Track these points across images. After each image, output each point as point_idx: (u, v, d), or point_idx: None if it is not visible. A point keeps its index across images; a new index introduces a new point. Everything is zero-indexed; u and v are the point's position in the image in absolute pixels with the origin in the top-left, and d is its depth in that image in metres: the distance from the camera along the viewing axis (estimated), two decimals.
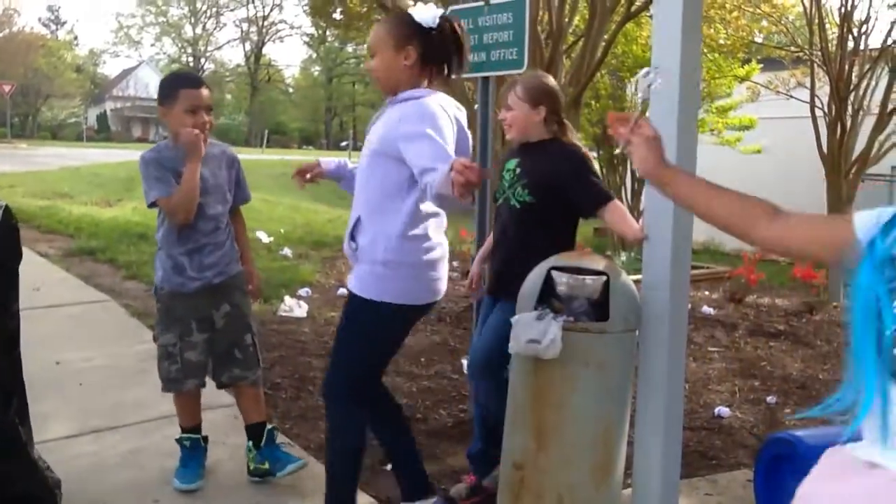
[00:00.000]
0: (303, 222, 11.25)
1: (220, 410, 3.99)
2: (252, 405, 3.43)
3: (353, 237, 2.73)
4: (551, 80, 3.30)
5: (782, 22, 12.55)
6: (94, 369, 4.67)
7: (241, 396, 3.45)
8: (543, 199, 3.10)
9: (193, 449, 3.36)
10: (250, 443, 3.38)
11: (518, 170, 3.20)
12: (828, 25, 11.03)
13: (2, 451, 2.50)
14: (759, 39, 13.16)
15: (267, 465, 3.33)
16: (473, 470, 3.36)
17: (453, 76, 2.86)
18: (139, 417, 3.93)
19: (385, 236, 2.63)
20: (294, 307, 6.32)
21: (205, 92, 3.25)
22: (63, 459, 3.31)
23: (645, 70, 2.00)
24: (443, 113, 2.62)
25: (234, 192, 3.41)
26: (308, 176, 3.08)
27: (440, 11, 2.74)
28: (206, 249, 3.25)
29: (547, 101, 3.16)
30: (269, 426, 3.42)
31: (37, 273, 7.14)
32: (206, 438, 3.45)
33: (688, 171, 1.78)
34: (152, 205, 3.19)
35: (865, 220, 1.41)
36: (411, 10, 2.73)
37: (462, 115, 2.80)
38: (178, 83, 3.27)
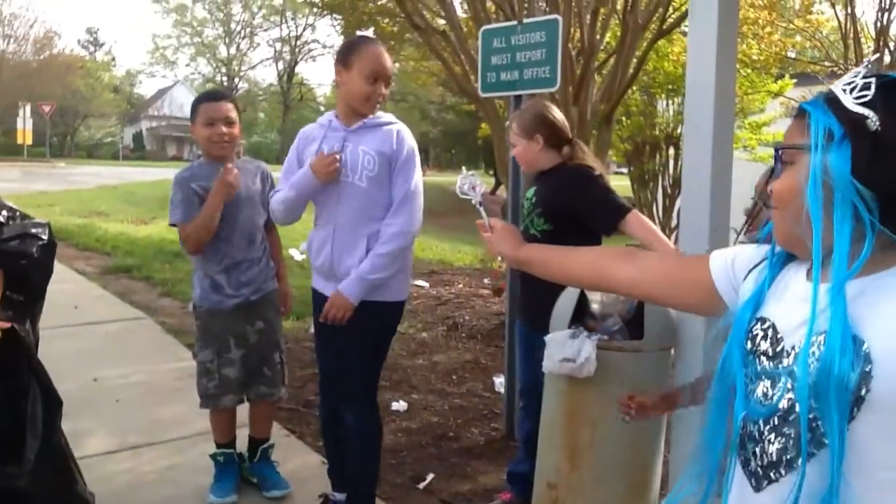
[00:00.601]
0: None
1: None
2: (262, 420, 3.49)
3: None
4: (546, 108, 3.27)
5: (816, 37, 12.46)
6: (130, 386, 4.72)
7: (255, 409, 3.47)
8: (560, 226, 3.06)
9: (227, 464, 3.38)
10: (247, 452, 3.48)
11: (534, 199, 3.21)
12: (863, 40, 10.92)
13: (48, 457, 2.53)
14: (792, 54, 13.06)
15: (255, 481, 3.43)
16: (511, 487, 3.34)
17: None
18: (175, 434, 3.97)
19: None
20: None
21: (223, 105, 3.28)
22: (101, 476, 3.36)
23: (461, 177, 2.06)
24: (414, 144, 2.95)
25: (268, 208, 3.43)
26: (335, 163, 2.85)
27: None
28: (243, 266, 3.28)
29: (542, 129, 3.15)
30: (265, 445, 3.47)
31: (75, 291, 7.26)
32: (241, 455, 3.47)
33: (543, 246, 1.84)
34: (173, 225, 3.26)
35: (720, 262, 1.36)
36: None
37: None
38: (199, 100, 3.35)
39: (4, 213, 2.48)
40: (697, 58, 2.62)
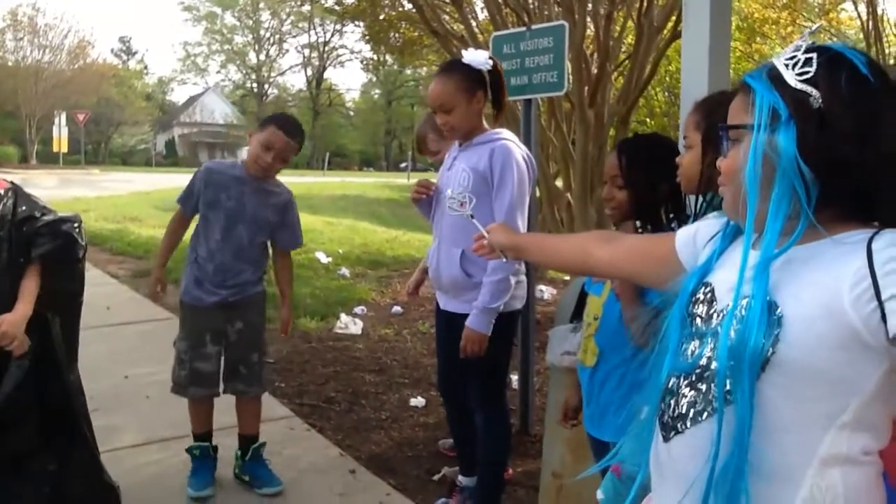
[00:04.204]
0: (360, 242, 11.45)
1: (278, 422, 4.24)
2: (247, 417, 3.59)
3: (464, 269, 2.96)
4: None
5: (839, 36, 12.41)
6: (159, 383, 4.85)
7: (240, 405, 3.58)
8: None
9: (203, 458, 3.50)
10: (239, 451, 3.57)
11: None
12: (885, 39, 10.88)
13: (78, 448, 2.70)
14: None
15: (248, 478, 3.52)
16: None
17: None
18: None
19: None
20: (349, 324, 6.51)
21: (290, 143, 3.34)
22: (131, 467, 3.56)
23: (450, 196, 2.20)
24: (521, 157, 2.94)
25: (281, 234, 3.51)
26: (427, 194, 3.14)
27: (488, 53, 3.01)
28: (228, 272, 3.41)
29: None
30: (255, 444, 3.55)
31: (108, 293, 7.49)
32: (215, 448, 3.58)
33: (537, 234, 1.93)
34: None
35: (684, 236, 1.39)
36: (467, 59, 2.96)
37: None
38: (277, 122, 3.39)
39: (37, 212, 2.66)
40: (691, 68, 2.71)
